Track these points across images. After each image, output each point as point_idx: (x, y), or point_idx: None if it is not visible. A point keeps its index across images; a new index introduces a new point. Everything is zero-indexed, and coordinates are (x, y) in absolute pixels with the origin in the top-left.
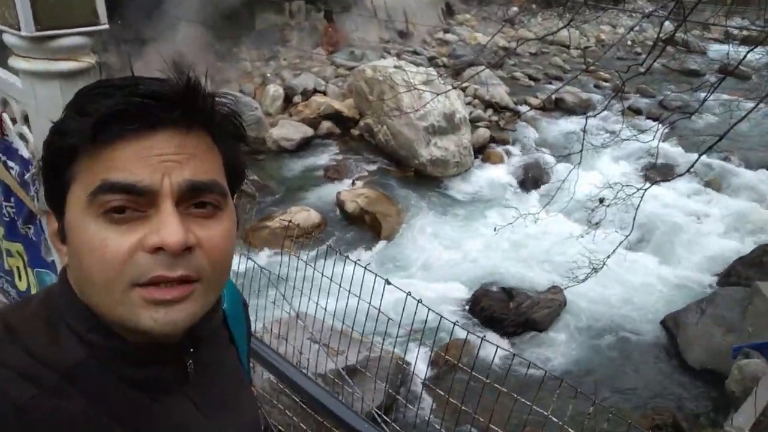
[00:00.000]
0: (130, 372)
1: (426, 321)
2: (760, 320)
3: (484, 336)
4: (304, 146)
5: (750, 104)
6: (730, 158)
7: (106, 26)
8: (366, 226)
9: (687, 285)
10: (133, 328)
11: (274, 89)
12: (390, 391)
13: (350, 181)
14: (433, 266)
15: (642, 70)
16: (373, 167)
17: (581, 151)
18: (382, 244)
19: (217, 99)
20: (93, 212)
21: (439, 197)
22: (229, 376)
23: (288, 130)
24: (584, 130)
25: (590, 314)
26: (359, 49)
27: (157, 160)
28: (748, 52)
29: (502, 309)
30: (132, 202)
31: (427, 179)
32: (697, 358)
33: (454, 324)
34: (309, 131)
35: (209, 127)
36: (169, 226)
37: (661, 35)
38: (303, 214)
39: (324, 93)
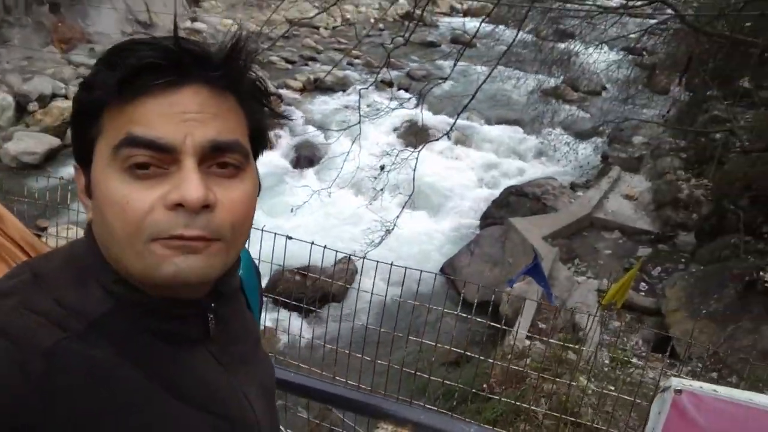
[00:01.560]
0: (154, 324)
1: None
2: (516, 250)
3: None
4: (52, 158)
5: (481, 68)
6: (472, 118)
7: None
8: None
9: (456, 232)
10: (154, 278)
11: (1, 97)
12: None
13: None
14: None
15: (403, 41)
16: None
17: (359, 122)
18: None
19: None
20: (117, 167)
21: None
22: (247, 335)
23: (28, 143)
24: (359, 103)
25: (380, 276)
26: (99, 44)
27: (181, 117)
28: (480, 23)
29: (300, 289)
30: (155, 159)
31: None
32: (473, 295)
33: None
34: (55, 141)
35: (236, 88)
36: (189, 183)
37: (412, 11)
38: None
39: (65, 97)
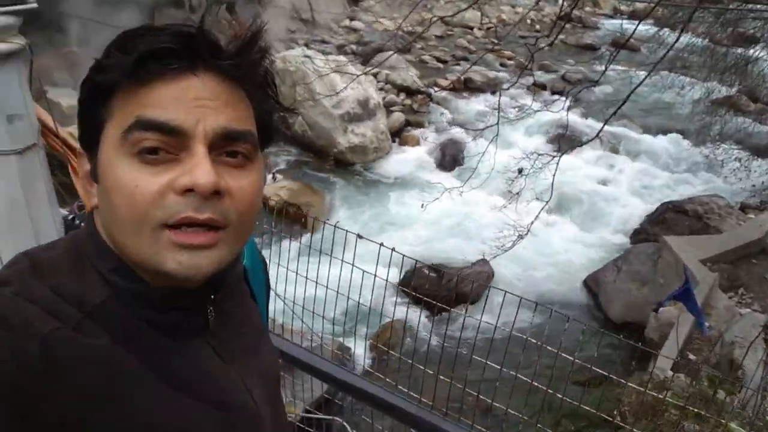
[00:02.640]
0: (152, 315)
1: (358, 307)
2: (669, 271)
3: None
4: None
5: (642, 73)
6: (630, 126)
7: (35, 5)
8: (290, 219)
9: (602, 245)
10: (157, 269)
11: None
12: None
13: (270, 175)
14: (361, 252)
15: (549, 41)
16: (292, 159)
17: (497, 123)
18: (308, 235)
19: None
20: (126, 151)
21: (361, 183)
22: (249, 327)
23: None
24: (499, 104)
25: (517, 282)
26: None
27: (194, 103)
28: (637, 24)
29: (433, 287)
30: (165, 143)
31: (347, 166)
32: (617, 313)
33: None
34: None
35: (247, 80)
36: (201, 168)
37: (561, 11)
38: None
39: None
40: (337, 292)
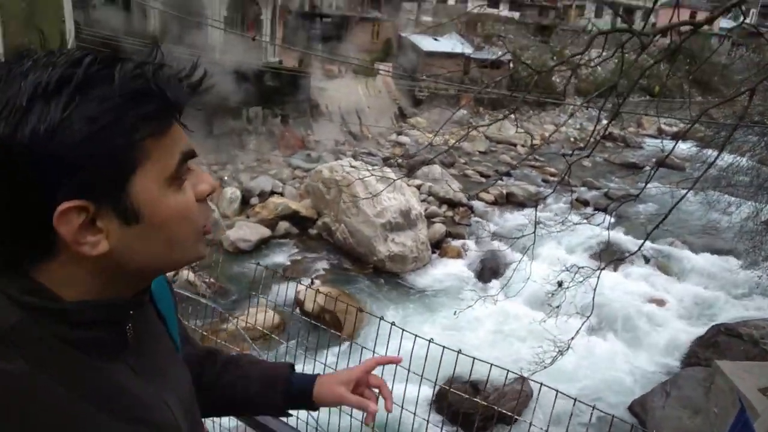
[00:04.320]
0: (70, 334)
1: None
2: (724, 399)
3: None
4: (262, 247)
5: (685, 191)
6: (676, 244)
7: None
8: (327, 325)
9: (648, 367)
10: (196, 259)
11: (231, 191)
12: None
13: (309, 279)
14: (391, 368)
15: (586, 153)
16: (331, 265)
17: (534, 232)
18: (344, 342)
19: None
20: (177, 182)
21: (399, 293)
22: (161, 345)
23: (245, 232)
24: (536, 210)
25: (558, 402)
26: (315, 151)
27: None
28: (677, 142)
29: (469, 404)
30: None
31: (386, 275)
32: None
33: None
34: (266, 232)
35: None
36: (207, 176)
37: (599, 127)
38: (261, 315)
39: (281, 194)
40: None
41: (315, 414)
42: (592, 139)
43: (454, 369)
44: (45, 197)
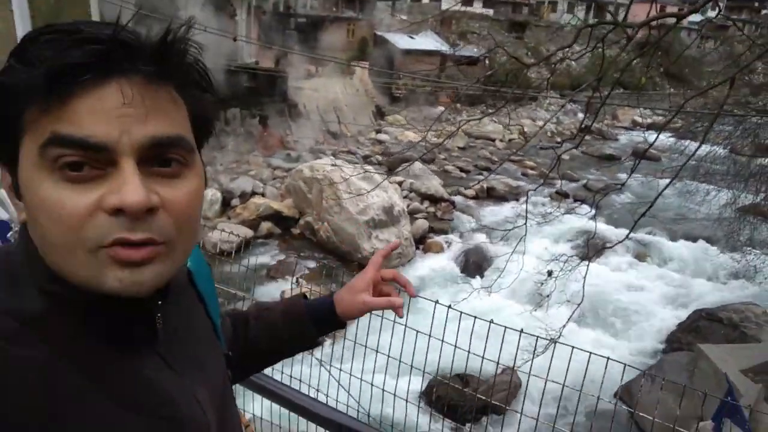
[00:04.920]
0: (96, 325)
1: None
2: (708, 382)
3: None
4: (245, 248)
5: (665, 181)
6: (656, 232)
7: None
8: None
9: (634, 354)
10: (98, 289)
11: (212, 193)
12: None
13: (294, 279)
14: (385, 359)
15: (575, 144)
16: (316, 264)
17: (525, 224)
18: (330, 341)
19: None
20: (46, 167)
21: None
22: (198, 335)
23: (227, 233)
24: (527, 203)
25: (546, 391)
26: (295, 150)
27: (116, 114)
28: (658, 134)
29: (459, 396)
30: (89, 158)
31: None
32: (654, 427)
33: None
34: (249, 233)
35: (174, 77)
36: (128, 186)
37: (582, 123)
38: None
39: (262, 194)
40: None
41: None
42: (574, 132)
43: (439, 360)
44: None
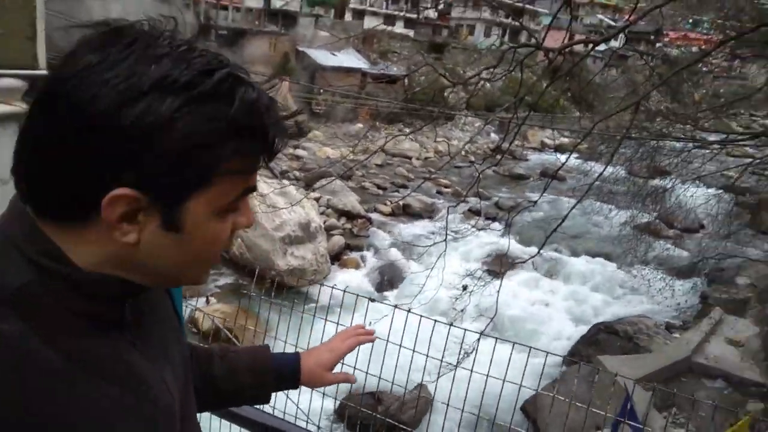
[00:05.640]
0: (75, 303)
1: None
2: (607, 392)
3: None
4: None
5: (571, 200)
6: (561, 249)
7: (44, 72)
8: (224, 344)
9: (539, 368)
10: (196, 282)
11: None
12: None
13: (204, 297)
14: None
15: (495, 162)
16: (228, 281)
17: (446, 240)
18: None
19: None
20: (218, 212)
21: (299, 307)
22: (165, 323)
23: None
24: (447, 220)
25: (456, 406)
26: None
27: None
28: (568, 157)
29: (370, 415)
30: None
31: (285, 289)
32: None
33: None
34: None
35: None
36: (251, 211)
37: (501, 143)
38: None
39: None
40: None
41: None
42: (487, 152)
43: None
44: (110, 175)
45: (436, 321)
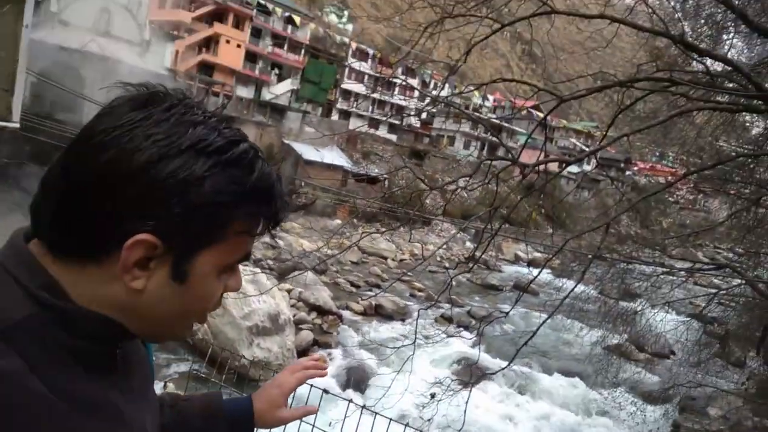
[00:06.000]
0: (71, 340)
1: None
2: None
3: None
4: None
5: (543, 315)
6: (531, 365)
7: (17, 125)
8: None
9: None
10: (180, 337)
11: None
12: None
13: (160, 385)
14: None
15: (468, 268)
16: (189, 368)
17: (414, 343)
18: None
19: None
20: (218, 271)
21: None
22: (143, 371)
23: None
24: (416, 323)
25: None
26: None
27: None
28: (539, 271)
29: None
30: None
31: (248, 382)
32: None
33: None
34: None
35: None
36: (241, 277)
37: (474, 250)
38: None
39: None
40: None
41: None
42: (461, 259)
43: None
44: (138, 220)
45: (407, 425)
